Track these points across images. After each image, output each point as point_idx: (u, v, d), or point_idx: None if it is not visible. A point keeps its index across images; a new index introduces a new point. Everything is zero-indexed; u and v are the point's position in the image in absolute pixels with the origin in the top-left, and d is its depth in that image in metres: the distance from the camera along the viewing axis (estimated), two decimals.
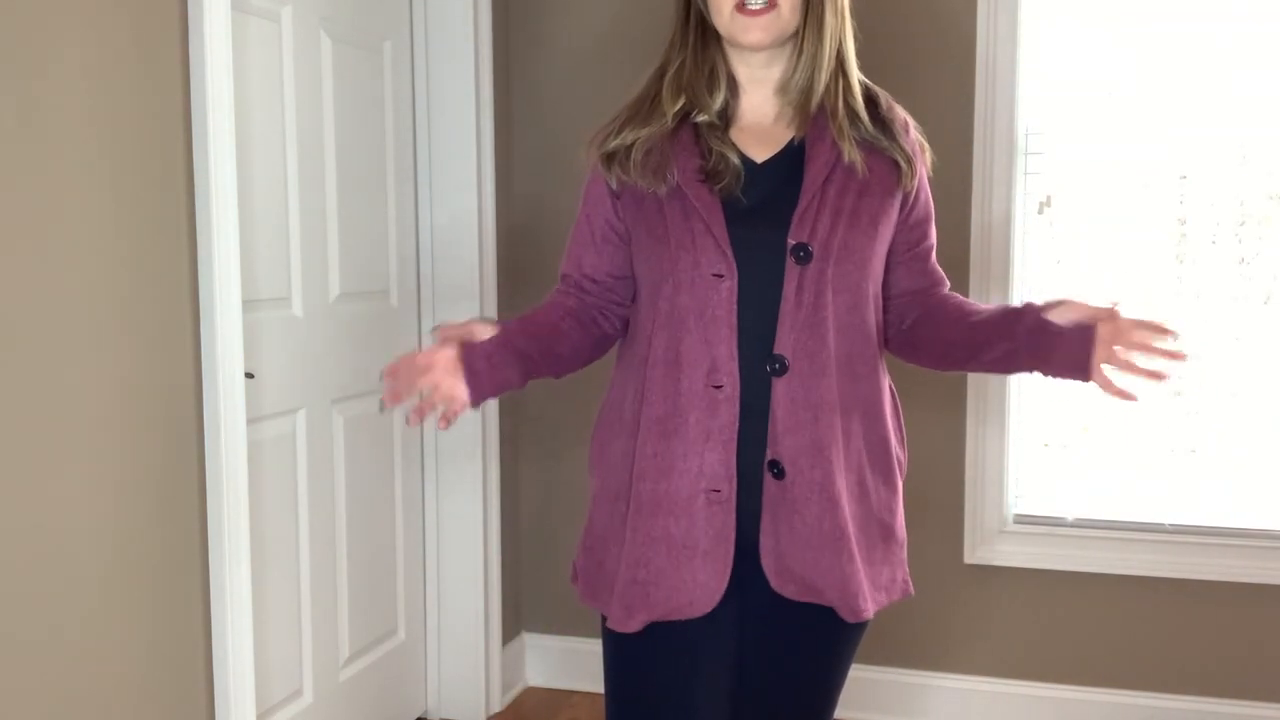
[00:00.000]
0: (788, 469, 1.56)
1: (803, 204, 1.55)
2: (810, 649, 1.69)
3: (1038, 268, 2.88)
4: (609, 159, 1.62)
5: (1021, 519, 2.92)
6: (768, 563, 1.59)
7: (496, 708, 3.11)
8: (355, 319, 2.71)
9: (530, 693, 3.25)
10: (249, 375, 2.24)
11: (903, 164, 1.61)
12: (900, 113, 1.67)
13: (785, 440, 1.56)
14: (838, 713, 3.19)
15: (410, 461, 2.97)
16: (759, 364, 1.56)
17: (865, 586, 1.62)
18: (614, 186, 1.64)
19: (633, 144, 1.59)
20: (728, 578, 1.58)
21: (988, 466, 2.89)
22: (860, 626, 1.68)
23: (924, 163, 1.68)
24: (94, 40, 1.84)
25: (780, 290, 1.55)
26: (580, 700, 3.19)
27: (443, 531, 3.02)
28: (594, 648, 3.19)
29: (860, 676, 3.03)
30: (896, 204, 1.63)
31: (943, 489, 2.94)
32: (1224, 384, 2.81)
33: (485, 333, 1.62)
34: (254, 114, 2.31)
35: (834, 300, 1.57)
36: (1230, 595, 2.79)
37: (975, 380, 2.86)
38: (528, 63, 3.13)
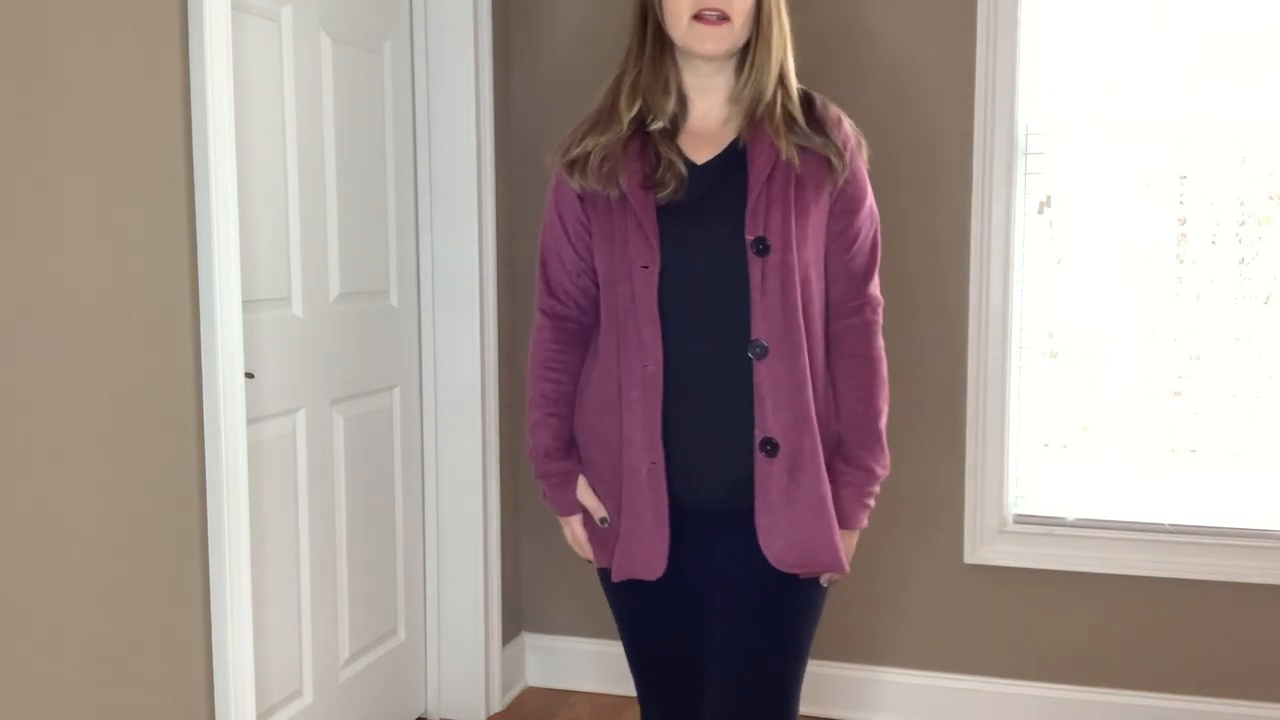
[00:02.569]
0: (781, 444, 1.70)
1: (752, 200, 1.70)
2: (764, 611, 1.81)
3: (1038, 268, 2.88)
4: (571, 166, 1.79)
5: (1021, 519, 2.92)
6: (766, 537, 1.73)
7: (496, 708, 3.11)
8: (355, 319, 2.71)
9: (530, 693, 3.25)
10: (249, 375, 2.24)
11: (834, 160, 1.74)
12: (834, 111, 1.80)
13: (773, 419, 1.70)
14: (840, 712, 3.20)
15: (410, 461, 2.97)
16: (738, 350, 1.70)
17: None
18: (576, 190, 1.79)
19: (591, 151, 1.76)
20: (668, 542, 1.75)
21: (988, 466, 2.89)
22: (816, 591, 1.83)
23: (860, 156, 1.80)
24: (94, 40, 1.84)
25: (746, 280, 1.69)
26: (580, 700, 3.19)
27: (443, 531, 3.02)
28: (594, 648, 3.21)
29: (860, 676, 3.04)
30: (827, 195, 1.76)
31: (943, 489, 2.94)
32: (1224, 384, 2.81)
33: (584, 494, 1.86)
34: (254, 114, 2.31)
35: (796, 285, 1.71)
36: (1230, 595, 2.79)
37: (975, 380, 2.87)
38: (528, 62, 3.13)
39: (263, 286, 2.36)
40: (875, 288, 1.82)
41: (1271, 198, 2.77)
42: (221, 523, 2.11)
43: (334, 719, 2.68)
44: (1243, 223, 2.79)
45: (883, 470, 1.81)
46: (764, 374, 1.69)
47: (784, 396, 1.70)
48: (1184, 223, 2.83)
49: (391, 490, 2.90)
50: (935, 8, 2.84)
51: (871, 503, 1.82)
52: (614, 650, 2.97)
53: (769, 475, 1.71)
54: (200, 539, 2.10)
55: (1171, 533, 2.83)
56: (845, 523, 1.78)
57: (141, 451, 1.96)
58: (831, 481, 1.76)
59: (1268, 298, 2.78)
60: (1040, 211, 2.89)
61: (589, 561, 1.91)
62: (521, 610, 3.28)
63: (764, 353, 1.69)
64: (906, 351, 2.92)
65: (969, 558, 2.93)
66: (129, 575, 1.95)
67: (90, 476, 1.87)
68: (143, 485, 1.97)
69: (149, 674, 2.00)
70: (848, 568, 1.78)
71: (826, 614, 2.99)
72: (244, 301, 2.17)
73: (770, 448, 1.70)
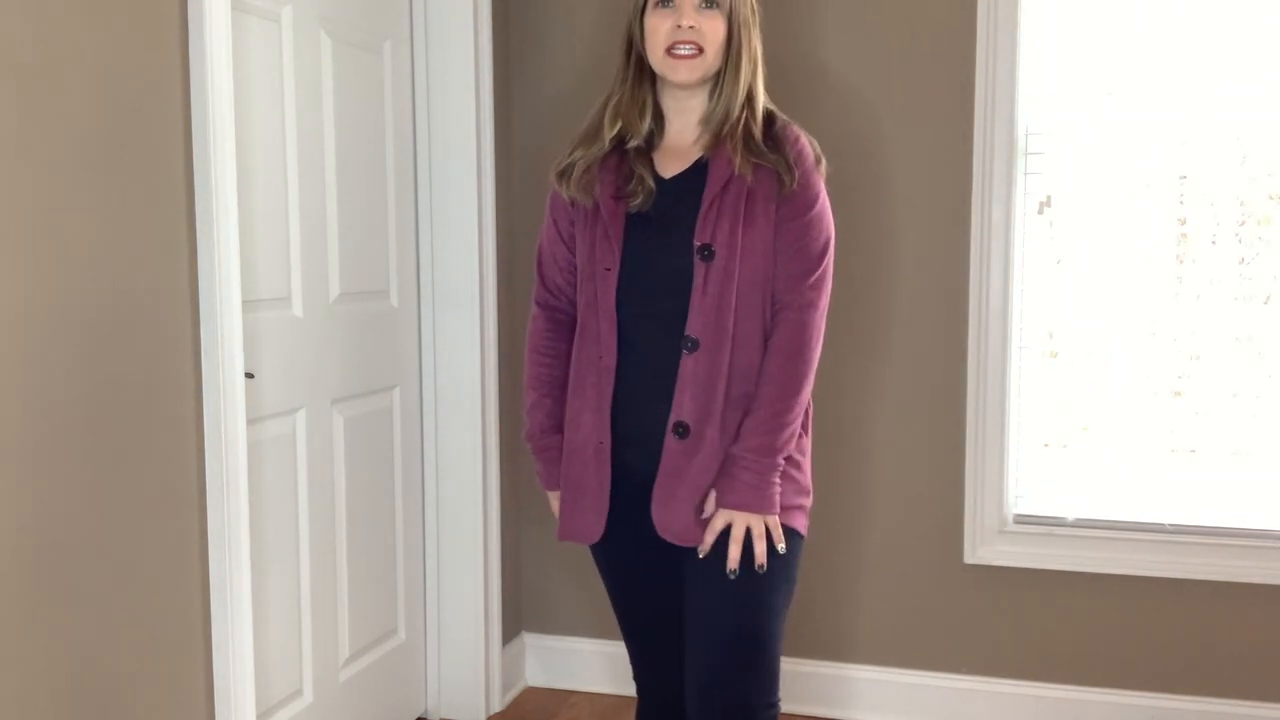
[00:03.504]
0: (692, 429, 1.87)
1: (704, 211, 1.87)
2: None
3: (1038, 268, 2.88)
4: (560, 176, 2.01)
5: (1021, 519, 2.92)
6: (654, 508, 1.90)
7: (496, 708, 3.11)
8: (355, 319, 2.71)
9: (530, 693, 3.25)
10: (249, 375, 2.24)
11: (784, 175, 1.89)
12: (792, 131, 1.94)
13: (689, 407, 1.87)
14: (839, 712, 3.20)
15: (410, 461, 2.97)
16: (674, 344, 1.88)
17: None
18: (565, 197, 2.00)
19: (576, 163, 1.98)
20: (606, 513, 1.95)
21: (988, 466, 2.89)
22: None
23: (817, 170, 1.93)
24: (94, 40, 1.84)
25: (690, 283, 1.86)
26: (580, 700, 3.19)
27: (443, 531, 3.02)
28: (594, 648, 3.21)
29: (860, 676, 3.04)
30: (775, 205, 1.90)
31: (943, 489, 2.94)
32: (1224, 384, 2.81)
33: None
34: (254, 114, 2.31)
35: (734, 289, 1.87)
36: (1230, 595, 2.79)
37: (975, 380, 2.87)
38: (528, 62, 3.13)
39: (263, 286, 2.36)
40: (815, 290, 1.91)
41: (1271, 198, 2.77)
42: (221, 523, 2.11)
43: (334, 719, 2.68)
44: (1243, 223, 2.79)
45: (778, 457, 1.88)
46: (688, 366, 1.87)
47: (701, 388, 1.87)
48: (1184, 223, 2.83)
49: (391, 490, 2.90)
50: (936, 8, 2.84)
51: (777, 487, 1.88)
52: (614, 650, 2.97)
53: (672, 455, 1.89)
54: (200, 539, 2.10)
55: (1171, 533, 2.83)
56: (752, 506, 1.86)
57: (141, 451, 1.96)
58: (733, 465, 1.88)
59: (1268, 298, 2.78)
60: (1040, 211, 2.89)
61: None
62: (521, 610, 3.28)
63: (695, 347, 1.87)
64: (907, 352, 2.93)
65: (969, 558, 2.93)
66: (129, 575, 1.95)
67: (90, 476, 1.87)
68: (143, 485, 1.97)
69: (149, 674, 2.00)
70: (709, 545, 1.89)
71: (825, 614, 3.01)
72: (244, 301, 2.17)
73: (682, 430, 1.88)
